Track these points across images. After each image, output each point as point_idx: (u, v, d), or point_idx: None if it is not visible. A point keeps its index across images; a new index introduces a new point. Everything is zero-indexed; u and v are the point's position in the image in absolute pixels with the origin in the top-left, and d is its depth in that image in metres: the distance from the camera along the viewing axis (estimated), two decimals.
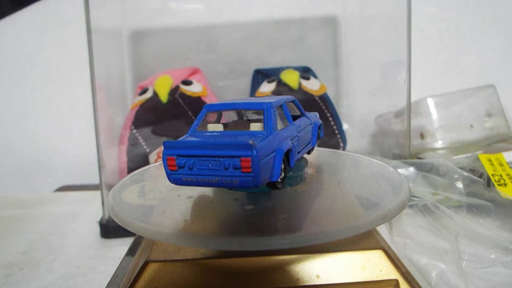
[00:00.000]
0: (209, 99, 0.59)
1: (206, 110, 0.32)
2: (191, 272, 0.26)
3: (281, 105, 0.32)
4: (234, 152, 0.25)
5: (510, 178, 0.46)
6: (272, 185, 0.29)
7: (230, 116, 0.35)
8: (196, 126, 0.31)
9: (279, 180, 0.29)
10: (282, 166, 0.28)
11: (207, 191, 0.31)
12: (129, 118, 0.56)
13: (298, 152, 0.33)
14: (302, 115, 0.36)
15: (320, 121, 0.39)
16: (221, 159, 0.25)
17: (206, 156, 0.26)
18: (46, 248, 0.45)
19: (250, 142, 0.24)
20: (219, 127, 0.31)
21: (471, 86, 0.59)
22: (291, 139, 0.30)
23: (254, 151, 0.24)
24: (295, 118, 0.34)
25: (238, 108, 0.32)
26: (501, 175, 0.46)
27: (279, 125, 0.30)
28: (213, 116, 0.33)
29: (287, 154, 0.29)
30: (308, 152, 0.38)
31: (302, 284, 0.26)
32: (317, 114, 0.40)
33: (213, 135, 0.30)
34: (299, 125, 0.33)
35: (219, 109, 0.32)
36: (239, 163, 0.25)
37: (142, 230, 0.25)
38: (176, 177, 0.27)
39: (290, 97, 0.35)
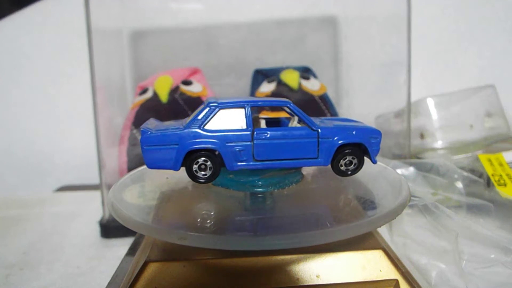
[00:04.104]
0: None
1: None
2: (191, 272, 0.26)
3: (243, 107, 0.30)
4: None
5: (510, 178, 0.46)
6: (192, 177, 0.30)
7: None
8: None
9: (200, 176, 0.30)
10: (209, 164, 0.30)
11: (207, 190, 0.31)
12: (129, 118, 0.56)
13: (261, 161, 0.30)
14: (306, 124, 0.31)
15: (357, 140, 0.31)
16: None
17: None
18: (46, 248, 0.45)
19: (141, 128, 0.30)
20: None
21: (471, 86, 0.59)
22: (231, 143, 0.30)
23: (142, 136, 0.29)
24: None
25: None
26: (501, 175, 0.46)
27: (230, 126, 0.30)
28: None
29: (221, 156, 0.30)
30: (339, 173, 0.32)
31: (302, 284, 0.26)
32: (372, 129, 0.32)
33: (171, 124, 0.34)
34: (265, 133, 0.30)
35: None
36: None
37: (142, 227, 0.25)
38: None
39: (280, 101, 0.32)
